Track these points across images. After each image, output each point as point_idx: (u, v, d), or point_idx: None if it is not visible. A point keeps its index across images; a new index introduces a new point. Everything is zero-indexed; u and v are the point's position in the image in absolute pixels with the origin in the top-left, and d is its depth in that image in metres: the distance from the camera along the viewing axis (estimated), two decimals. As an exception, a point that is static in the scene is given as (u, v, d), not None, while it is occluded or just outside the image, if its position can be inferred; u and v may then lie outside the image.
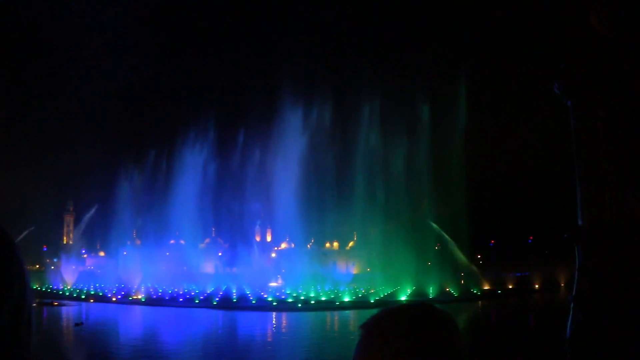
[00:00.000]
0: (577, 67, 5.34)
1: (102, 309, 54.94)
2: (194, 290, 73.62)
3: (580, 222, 5.12)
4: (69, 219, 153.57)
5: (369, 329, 1.54)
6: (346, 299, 55.69)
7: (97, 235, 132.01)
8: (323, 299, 56.10)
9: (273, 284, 66.12)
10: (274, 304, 52.94)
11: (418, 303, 1.62)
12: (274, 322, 43.28)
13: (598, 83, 5.21)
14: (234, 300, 56.08)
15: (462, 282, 70.85)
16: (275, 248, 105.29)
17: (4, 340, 1.20)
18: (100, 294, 68.65)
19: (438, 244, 76.30)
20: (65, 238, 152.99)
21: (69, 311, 50.95)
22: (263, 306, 51.95)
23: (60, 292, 71.69)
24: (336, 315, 46.59)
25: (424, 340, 1.50)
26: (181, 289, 75.72)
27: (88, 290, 72.09)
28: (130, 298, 62.30)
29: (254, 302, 54.43)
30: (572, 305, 4.97)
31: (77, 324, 38.17)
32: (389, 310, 1.58)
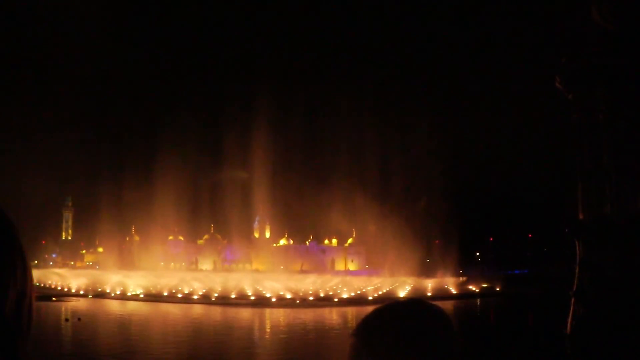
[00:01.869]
0: (579, 61, 5.31)
1: (99, 304, 54.95)
2: (193, 286, 73.66)
3: (581, 217, 5.10)
4: (67, 214, 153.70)
5: (360, 330, 1.51)
6: (345, 295, 55.72)
7: (95, 231, 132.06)
8: (322, 295, 56.12)
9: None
10: (273, 300, 52.99)
11: (410, 300, 1.58)
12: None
13: (599, 77, 5.18)
14: (233, 297, 56.12)
15: (461, 278, 70.91)
16: (274, 244, 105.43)
17: (7, 329, 1.17)
18: (99, 289, 68.63)
19: (437, 241, 76.42)
20: (64, 233, 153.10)
21: (63, 306, 50.97)
22: (262, 302, 51.98)
23: (59, 288, 71.72)
24: (334, 311, 46.63)
25: (415, 338, 1.46)
26: (180, 284, 75.75)
27: (86, 286, 72.07)
28: (129, 294, 62.34)
29: (252, 298, 54.49)
30: (572, 300, 4.95)
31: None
32: (379, 309, 1.54)
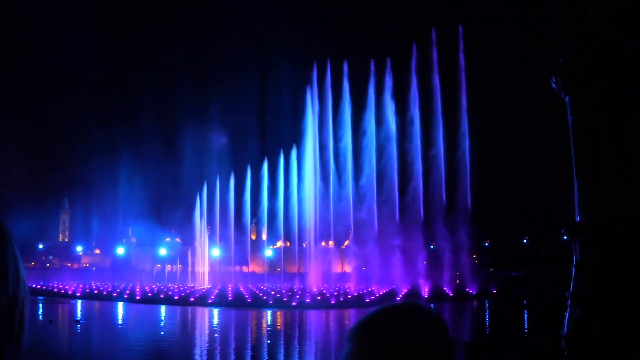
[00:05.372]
0: (575, 62, 5.30)
1: (95, 307, 54.88)
2: (189, 288, 73.70)
3: (577, 218, 5.08)
4: (64, 216, 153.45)
5: (355, 334, 1.48)
6: (341, 298, 55.64)
7: (92, 233, 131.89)
8: (319, 298, 56.01)
9: None
10: (270, 302, 52.91)
11: (405, 303, 1.56)
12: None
13: (596, 78, 5.17)
14: (229, 299, 56.03)
15: (457, 281, 70.88)
16: (271, 246, 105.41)
17: None
18: (96, 291, 68.49)
19: (434, 243, 76.43)
20: (60, 235, 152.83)
21: (60, 308, 50.88)
22: (258, 304, 51.91)
23: (56, 290, 71.49)
24: (331, 313, 46.62)
25: (411, 342, 1.43)
26: (176, 286, 75.74)
27: (83, 288, 71.96)
28: (126, 296, 62.22)
29: (249, 300, 54.39)
30: (568, 302, 4.94)
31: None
32: (375, 312, 1.52)
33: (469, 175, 69.81)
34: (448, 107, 72.05)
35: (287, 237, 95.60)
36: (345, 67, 74.74)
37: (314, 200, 77.12)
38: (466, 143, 70.63)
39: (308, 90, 75.81)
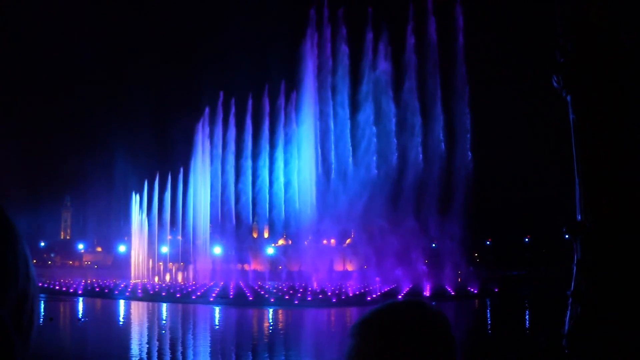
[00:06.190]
0: (577, 61, 5.30)
1: (97, 304, 54.96)
2: (191, 285, 73.84)
3: (579, 217, 5.09)
4: (66, 214, 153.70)
5: (358, 330, 1.50)
6: (343, 296, 55.66)
7: (94, 231, 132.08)
8: (320, 297, 56.06)
9: None
10: (271, 300, 52.95)
11: (408, 300, 1.56)
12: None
13: (597, 77, 5.17)
14: (231, 297, 56.10)
15: (459, 279, 70.88)
16: (273, 244, 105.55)
17: (5, 330, 1.13)
18: (98, 289, 68.57)
19: (435, 242, 76.41)
20: (62, 233, 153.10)
21: (62, 306, 50.98)
22: (260, 302, 51.95)
23: (57, 288, 71.59)
24: (332, 311, 46.65)
25: (414, 339, 1.45)
26: (178, 284, 75.91)
27: (85, 286, 72.04)
28: (128, 293, 62.30)
29: (250, 299, 54.42)
30: (569, 300, 4.94)
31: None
32: (378, 308, 1.54)
33: (471, 173, 69.72)
34: (448, 104, 71.99)
35: (289, 235, 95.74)
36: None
37: (315, 149, 77.10)
38: (467, 138, 70.63)
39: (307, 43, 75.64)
